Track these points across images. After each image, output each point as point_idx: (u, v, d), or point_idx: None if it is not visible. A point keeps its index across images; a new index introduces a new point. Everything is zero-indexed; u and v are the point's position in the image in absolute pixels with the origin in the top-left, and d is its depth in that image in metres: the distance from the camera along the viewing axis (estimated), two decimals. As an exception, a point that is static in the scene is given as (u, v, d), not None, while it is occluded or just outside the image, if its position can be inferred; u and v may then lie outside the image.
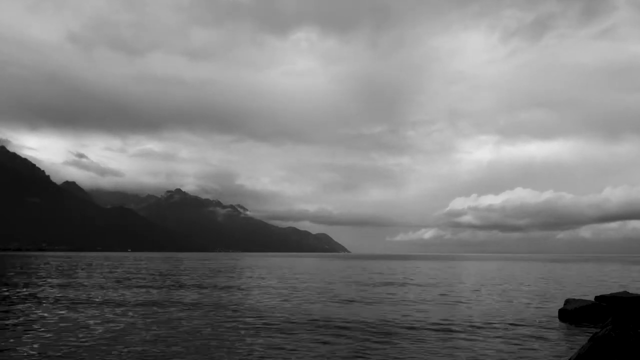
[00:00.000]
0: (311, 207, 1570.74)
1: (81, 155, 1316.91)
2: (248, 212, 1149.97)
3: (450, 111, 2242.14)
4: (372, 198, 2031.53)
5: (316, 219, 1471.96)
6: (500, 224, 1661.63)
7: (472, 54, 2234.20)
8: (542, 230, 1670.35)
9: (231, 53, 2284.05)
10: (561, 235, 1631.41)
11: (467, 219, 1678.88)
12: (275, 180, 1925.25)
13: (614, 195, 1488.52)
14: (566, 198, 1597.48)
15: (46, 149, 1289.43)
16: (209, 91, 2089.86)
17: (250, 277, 47.64)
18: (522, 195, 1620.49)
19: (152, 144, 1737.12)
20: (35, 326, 16.85)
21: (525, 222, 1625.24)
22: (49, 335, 15.29)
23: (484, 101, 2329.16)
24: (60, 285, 34.33)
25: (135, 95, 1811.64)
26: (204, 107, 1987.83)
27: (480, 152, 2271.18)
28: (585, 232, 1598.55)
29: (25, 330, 16.03)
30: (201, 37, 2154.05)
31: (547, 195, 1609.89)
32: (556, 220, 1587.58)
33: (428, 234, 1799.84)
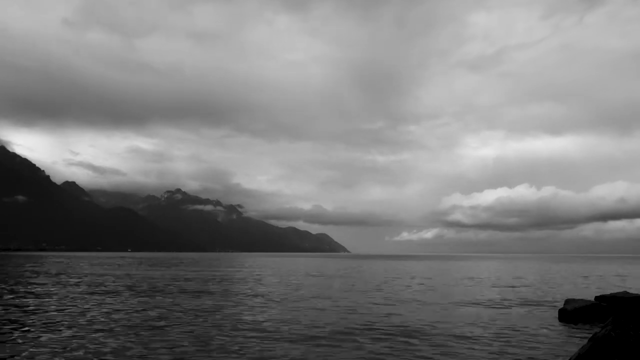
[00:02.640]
0: (309, 207, 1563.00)
1: (75, 153, 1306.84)
2: (247, 212, 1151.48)
3: (459, 104, 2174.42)
4: (371, 196, 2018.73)
5: (314, 218, 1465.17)
6: (498, 223, 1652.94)
7: (505, 35, 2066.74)
8: (544, 229, 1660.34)
9: (234, 35, 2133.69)
10: (564, 234, 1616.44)
11: (460, 217, 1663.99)
12: (272, 178, 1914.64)
13: (620, 192, 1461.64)
14: (570, 196, 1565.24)
15: (34, 147, 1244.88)
16: (201, 81, 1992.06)
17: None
18: (522, 193, 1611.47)
19: (141, 141, 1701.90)
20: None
21: (526, 221, 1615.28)
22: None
23: (497, 93, 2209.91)
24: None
25: (124, 87, 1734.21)
26: (196, 99, 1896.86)
27: (486, 149, 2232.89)
28: (589, 230, 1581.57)
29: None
30: (205, 14, 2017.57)
31: (549, 192, 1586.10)
32: (558, 218, 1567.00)
33: (429, 233, 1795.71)
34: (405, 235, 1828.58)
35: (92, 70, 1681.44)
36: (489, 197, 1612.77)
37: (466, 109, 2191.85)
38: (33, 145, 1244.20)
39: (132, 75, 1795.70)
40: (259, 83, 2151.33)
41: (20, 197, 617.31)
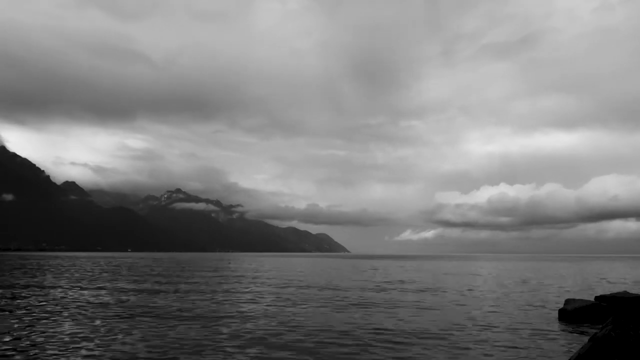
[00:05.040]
0: (304, 206, 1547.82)
1: (66, 150, 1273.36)
2: (247, 212, 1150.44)
3: (469, 97, 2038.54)
4: (370, 195, 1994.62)
5: (310, 218, 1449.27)
6: (491, 222, 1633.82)
7: (544, 14, 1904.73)
8: (546, 228, 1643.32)
9: (241, 15, 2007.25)
10: (565, 233, 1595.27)
11: (457, 216, 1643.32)
12: (268, 177, 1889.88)
13: (627, 190, 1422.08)
14: (571, 194, 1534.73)
15: (23, 144, 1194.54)
16: (195, 73, 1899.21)
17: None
18: (518, 191, 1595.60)
19: (133, 137, 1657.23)
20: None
21: (518, 220, 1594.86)
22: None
23: (515, 83, 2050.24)
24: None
25: (115, 80, 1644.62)
26: (189, 93, 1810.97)
27: (492, 145, 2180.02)
28: (592, 230, 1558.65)
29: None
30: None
31: (547, 190, 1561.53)
32: (560, 217, 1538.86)
33: (429, 233, 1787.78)
34: (405, 235, 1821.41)
35: (83, 61, 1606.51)
36: (485, 195, 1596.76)
37: (476, 102, 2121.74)
38: (22, 142, 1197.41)
39: (125, 66, 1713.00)
40: (257, 74, 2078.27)
41: (20, 197, 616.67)
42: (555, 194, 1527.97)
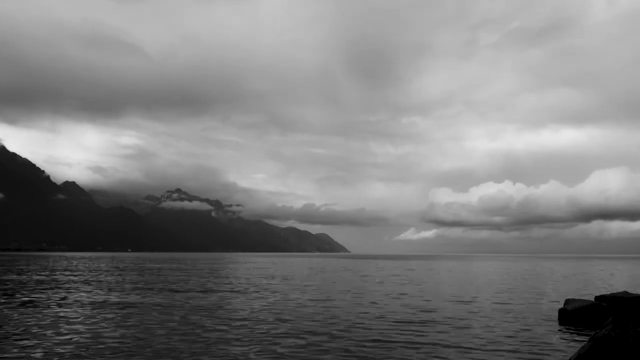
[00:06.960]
0: (304, 206, 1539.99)
1: (56, 147, 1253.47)
2: (246, 212, 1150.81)
3: (477, 91, 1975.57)
4: (369, 194, 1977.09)
5: (309, 218, 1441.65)
6: (488, 222, 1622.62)
7: (552, 8, 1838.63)
8: (545, 228, 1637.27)
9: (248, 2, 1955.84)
10: (566, 233, 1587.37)
11: (456, 216, 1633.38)
12: (266, 177, 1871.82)
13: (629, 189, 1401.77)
14: (575, 193, 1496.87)
15: (16, 142, 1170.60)
16: (193, 67, 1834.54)
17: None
18: (519, 190, 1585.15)
19: (133, 136, 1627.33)
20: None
21: (511, 219, 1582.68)
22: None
23: (529, 78, 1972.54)
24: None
25: (107, 74, 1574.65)
26: (185, 89, 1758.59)
27: (497, 142, 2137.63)
28: (592, 230, 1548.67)
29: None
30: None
31: (545, 189, 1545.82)
32: (558, 216, 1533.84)
33: (431, 233, 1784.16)
34: (405, 235, 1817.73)
35: (73, 53, 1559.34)
36: (478, 195, 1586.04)
37: (482, 97, 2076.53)
38: (15, 141, 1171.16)
39: (118, 59, 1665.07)
40: (256, 68, 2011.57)
41: (20, 197, 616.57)
42: (552, 193, 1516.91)
